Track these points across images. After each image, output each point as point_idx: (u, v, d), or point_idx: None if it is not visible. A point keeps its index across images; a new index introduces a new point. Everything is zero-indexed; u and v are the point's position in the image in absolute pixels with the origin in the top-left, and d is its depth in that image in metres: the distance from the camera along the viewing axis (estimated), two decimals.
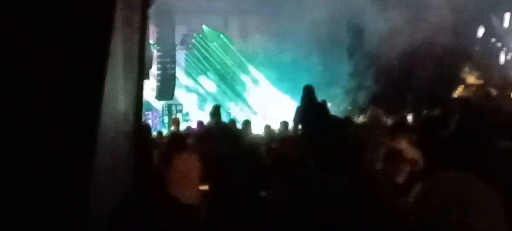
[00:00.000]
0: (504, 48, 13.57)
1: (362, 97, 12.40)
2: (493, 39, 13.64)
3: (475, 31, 13.28)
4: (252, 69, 14.75)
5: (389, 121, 7.70)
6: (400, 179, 5.01)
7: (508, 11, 13.37)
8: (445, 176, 1.36)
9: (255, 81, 14.82)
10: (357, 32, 13.11)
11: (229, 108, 13.01)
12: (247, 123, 8.20)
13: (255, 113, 13.88)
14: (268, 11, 13.41)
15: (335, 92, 12.71)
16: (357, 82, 13.10)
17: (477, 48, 13.23)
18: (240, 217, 4.08)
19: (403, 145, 5.59)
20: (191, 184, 5.47)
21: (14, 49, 2.22)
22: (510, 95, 10.75)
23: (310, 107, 7.20)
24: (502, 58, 13.68)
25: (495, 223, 1.27)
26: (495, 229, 1.28)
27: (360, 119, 8.63)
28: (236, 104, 14.62)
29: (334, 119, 7.70)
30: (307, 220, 3.56)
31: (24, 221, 2.19)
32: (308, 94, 7.20)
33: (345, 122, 7.51)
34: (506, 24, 13.11)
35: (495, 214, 1.29)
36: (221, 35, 14.29)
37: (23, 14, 2.26)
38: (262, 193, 5.00)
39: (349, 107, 11.22)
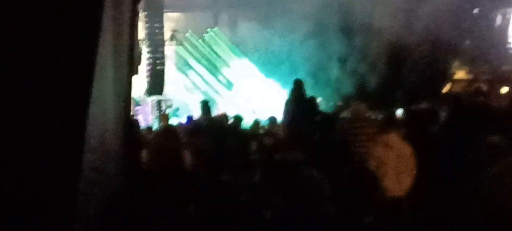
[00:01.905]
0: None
1: (351, 93, 12.67)
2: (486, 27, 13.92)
3: (466, 25, 13.49)
4: (244, 61, 15.16)
5: (378, 116, 7.86)
6: (385, 173, 5.35)
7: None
8: None
9: (247, 73, 15.25)
10: (346, 28, 13.47)
11: (216, 102, 13.30)
12: (237, 118, 8.30)
13: (245, 105, 14.26)
14: (257, 3, 13.70)
15: (326, 88, 13.13)
16: (347, 78, 13.48)
17: (467, 41, 13.51)
18: (227, 211, 4.11)
19: (392, 138, 5.72)
20: (183, 178, 5.21)
21: (1, 47, 2.19)
22: (500, 90, 10.98)
23: (300, 102, 7.32)
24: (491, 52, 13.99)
25: None
26: None
27: (344, 114, 8.88)
28: (226, 97, 15.00)
29: (322, 114, 7.89)
30: (293, 215, 3.39)
31: (12, 220, 2.17)
32: (298, 89, 7.33)
33: (332, 118, 7.71)
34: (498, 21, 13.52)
35: None
36: (210, 31, 14.82)
37: (10, 11, 2.22)
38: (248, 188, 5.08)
39: (340, 103, 11.43)
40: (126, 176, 3.68)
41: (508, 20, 13.98)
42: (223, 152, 6.37)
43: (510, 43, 13.97)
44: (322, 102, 10.85)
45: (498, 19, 14.12)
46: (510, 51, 13.97)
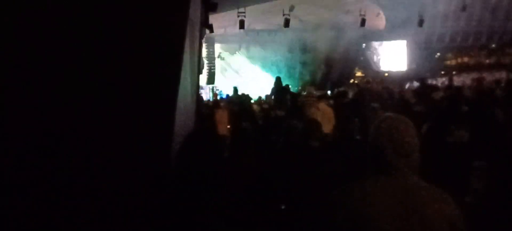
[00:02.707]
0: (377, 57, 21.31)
1: (306, 82, 18.52)
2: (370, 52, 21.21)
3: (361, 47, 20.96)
4: (254, 66, 21.98)
5: (319, 93, 10.41)
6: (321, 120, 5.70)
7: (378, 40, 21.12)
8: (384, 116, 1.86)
9: (255, 71, 22.08)
10: (304, 52, 20.29)
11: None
12: (248, 96, 11.08)
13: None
14: (262, 41, 20.59)
15: (293, 80, 19.62)
16: (305, 76, 19.95)
17: (361, 58, 20.51)
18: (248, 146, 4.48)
19: (321, 105, 7.11)
20: (223, 125, 7.31)
21: (115, 57, 2.40)
22: (381, 81, 16.37)
23: (279, 88, 10.03)
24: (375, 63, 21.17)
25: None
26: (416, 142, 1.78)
27: (302, 93, 11.38)
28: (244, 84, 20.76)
29: (291, 93, 10.32)
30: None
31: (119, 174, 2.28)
32: (278, 80, 10.27)
33: (297, 95, 10.46)
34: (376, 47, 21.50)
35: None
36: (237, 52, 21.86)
37: (127, 39, 2.44)
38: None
39: (300, 88, 16.57)
40: (198, 123, 4.93)
41: (372, 50, 21.69)
42: (244, 112, 8.65)
43: (375, 62, 21.11)
44: (292, 87, 15.06)
45: (372, 49, 21.70)
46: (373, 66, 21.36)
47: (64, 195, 2.14)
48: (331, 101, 8.98)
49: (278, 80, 10.31)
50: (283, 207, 3.40)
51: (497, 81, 12.85)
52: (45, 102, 2.19)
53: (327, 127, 6.84)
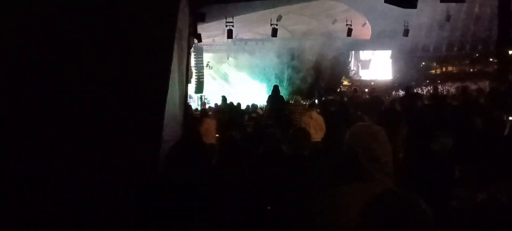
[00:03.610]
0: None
1: (295, 91, 18.80)
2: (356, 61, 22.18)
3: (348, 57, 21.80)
4: (242, 74, 22.72)
5: (307, 102, 10.98)
6: (309, 129, 6.66)
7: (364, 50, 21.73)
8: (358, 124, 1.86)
9: (243, 79, 22.78)
10: (292, 61, 20.94)
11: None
12: (238, 104, 11.39)
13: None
14: (250, 50, 21.19)
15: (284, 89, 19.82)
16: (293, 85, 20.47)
17: (348, 67, 21.33)
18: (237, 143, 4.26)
19: (313, 114, 7.85)
20: (211, 133, 8.15)
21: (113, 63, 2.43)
22: (364, 90, 16.73)
23: (276, 96, 9.74)
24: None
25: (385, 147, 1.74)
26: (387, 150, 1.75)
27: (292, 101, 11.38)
28: (233, 92, 21.13)
29: (284, 100, 10.45)
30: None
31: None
32: (276, 89, 9.86)
33: (288, 102, 10.99)
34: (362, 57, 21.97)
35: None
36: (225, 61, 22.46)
37: (119, 47, 2.46)
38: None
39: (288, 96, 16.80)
40: (185, 131, 5.38)
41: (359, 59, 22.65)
42: (232, 120, 9.11)
43: (354, 71, 21.65)
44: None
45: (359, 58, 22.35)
46: (355, 76, 21.96)
47: (50, 197, 2.19)
48: (319, 110, 9.20)
49: (275, 89, 10.00)
50: (269, 208, 3.43)
51: (480, 90, 13.03)
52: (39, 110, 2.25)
53: (319, 135, 7.47)
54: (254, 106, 12.56)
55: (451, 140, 4.23)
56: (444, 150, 4.14)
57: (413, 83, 18.46)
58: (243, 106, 12.26)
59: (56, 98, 2.30)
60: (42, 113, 2.26)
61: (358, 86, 18.39)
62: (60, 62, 2.34)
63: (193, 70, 18.20)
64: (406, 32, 16.67)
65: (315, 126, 7.65)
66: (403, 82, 18.90)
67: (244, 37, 20.60)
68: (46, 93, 2.28)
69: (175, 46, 3.24)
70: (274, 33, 15.91)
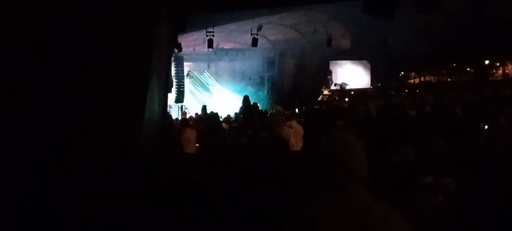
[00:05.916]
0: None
1: (274, 101, 19.28)
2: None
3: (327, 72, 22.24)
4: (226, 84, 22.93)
5: (287, 112, 10.73)
6: (289, 139, 6.77)
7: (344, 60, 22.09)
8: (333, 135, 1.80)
9: (220, 90, 23.00)
10: (272, 70, 21.38)
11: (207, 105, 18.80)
12: (217, 114, 10.63)
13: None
14: (231, 59, 21.49)
15: (261, 98, 20.39)
16: (273, 94, 20.81)
17: (328, 76, 20.98)
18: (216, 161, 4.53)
19: (293, 123, 7.49)
20: (192, 143, 7.72)
21: (95, 69, 2.45)
22: (345, 99, 16.94)
23: (248, 105, 9.89)
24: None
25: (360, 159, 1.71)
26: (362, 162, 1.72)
27: (271, 111, 11.68)
28: (212, 102, 21.17)
29: (260, 111, 10.46)
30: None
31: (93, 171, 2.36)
32: (246, 99, 10.03)
33: (265, 112, 10.76)
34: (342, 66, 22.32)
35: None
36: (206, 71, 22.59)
37: (106, 44, 2.48)
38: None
39: (268, 106, 16.85)
40: (165, 142, 5.50)
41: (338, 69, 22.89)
42: (212, 130, 8.78)
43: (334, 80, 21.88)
44: (260, 105, 15.28)
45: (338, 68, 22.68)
46: (333, 85, 22.33)
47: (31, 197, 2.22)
48: (300, 119, 9.21)
49: (245, 99, 10.12)
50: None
51: (458, 99, 13.21)
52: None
53: (300, 144, 7.31)
54: (235, 114, 12.49)
55: (411, 151, 4.22)
56: (404, 162, 4.14)
57: (392, 92, 18.68)
58: (223, 116, 12.28)
59: (35, 101, 2.32)
60: (19, 117, 2.29)
61: (338, 95, 18.56)
62: (37, 67, 2.34)
63: (174, 80, 18.14)
64: (384, 43, 16.93)
65: (295, 135, 7.56)
66: (381, 91, 19.12)
67: (224, 47, 20.63)
68: (22, 98, 2.30)
69: (154, 55, 3.19)
70: (255, 43, 16.01)
